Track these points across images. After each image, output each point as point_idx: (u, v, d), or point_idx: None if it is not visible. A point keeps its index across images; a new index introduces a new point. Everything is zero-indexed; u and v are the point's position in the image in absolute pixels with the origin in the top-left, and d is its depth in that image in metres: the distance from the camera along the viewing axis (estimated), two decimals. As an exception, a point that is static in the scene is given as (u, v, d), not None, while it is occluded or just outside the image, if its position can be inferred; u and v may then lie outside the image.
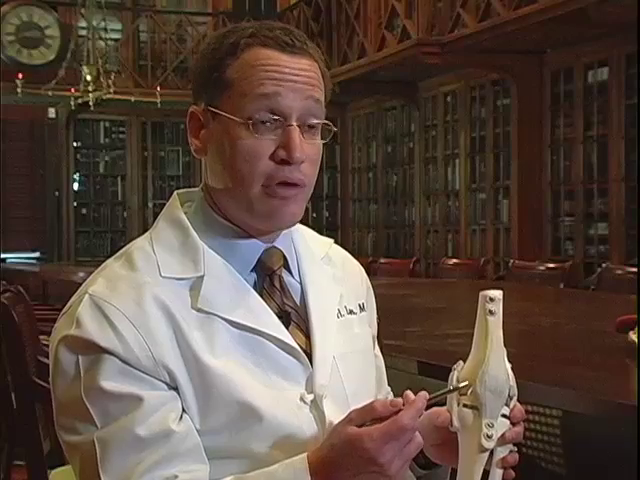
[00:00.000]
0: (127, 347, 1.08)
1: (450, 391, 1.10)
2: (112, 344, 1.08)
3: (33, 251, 10.53)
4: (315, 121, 1.16)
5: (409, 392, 1.08)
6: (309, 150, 1.15)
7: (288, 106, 1.14)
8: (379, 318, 1.41)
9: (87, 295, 1.12)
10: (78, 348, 1.09)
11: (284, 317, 1.19)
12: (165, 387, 1.10)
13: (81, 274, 6.20)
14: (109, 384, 1.07)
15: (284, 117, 1.14)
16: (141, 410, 1.07)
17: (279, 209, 1.16)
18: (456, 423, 1.11)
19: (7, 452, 2.61)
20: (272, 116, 1.13)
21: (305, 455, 1.07)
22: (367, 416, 1.05)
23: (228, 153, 1.15)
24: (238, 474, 1.10)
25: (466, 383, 1.10)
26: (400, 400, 1.06)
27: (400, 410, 1.04)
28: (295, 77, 1.14)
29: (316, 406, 1.15)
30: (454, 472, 1.18)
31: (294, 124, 1.14)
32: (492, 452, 1.10)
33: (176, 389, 1.10)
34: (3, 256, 9.48)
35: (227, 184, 1.16)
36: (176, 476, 1.07)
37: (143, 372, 1.08)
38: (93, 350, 1.08)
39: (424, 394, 1.07)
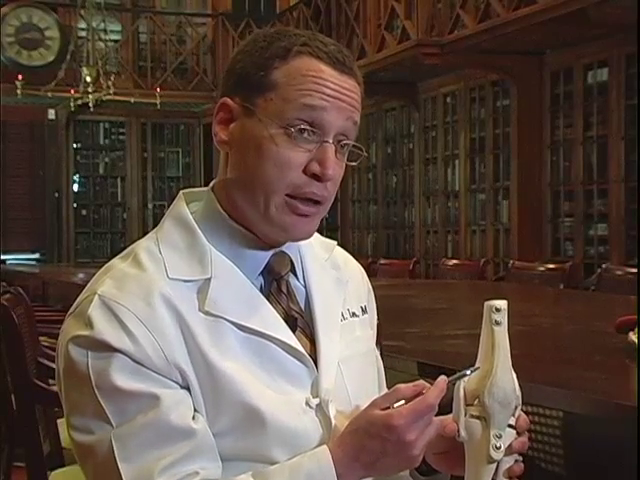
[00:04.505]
0: (140, 348, 1.07)
1: (465, 375, 1.12)
2: (125, 345, 1.07)
3: (33, 252, 10.55)
4: (348, 142, 1.17)
5: (422, 381, 1.11)
6: (338, 169, 1.16)
7: (329, 122, 1.13)
8: (379, 319, 1.41)
9: (96, 296, 1.10)
10: (90, 348, 1.08)
11: (290, 322, 1.18)
12: (178, 387, 1.09)
13: (81, 275, 6.22)
14: (124, 382, 1.07)
15: (323, 132, 1.14)
16: (160, 408, 1.07)
17: (296, 225, 1.16)
18: (463, 434, 1.11)
19: (7, 453, 2.60)
20: (312, 128, 1.13)
21: (325, 447, 1.10)
22: (392, 398, 1.09)
23: (259, 155, 1.13)
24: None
25: (478, 366, 1.11)
26: (422, 381, 1.10)
27: (422, 392, 1.08)
28: (342, 96, 1.14)
29: (321, 410, 1.15)
30: (453, 478, 1.19)
31: (330, 141, 1.14)
32: (498, 462, 1.11)
33: (187, 389, 1.10)
34: (3, 257, 9.47)
35: (249, 184, 1.15)
36: (197, 472, 1.07)
37: (156, 372, 1.08)
38: (105, 349, 1.07)
39: (444, 377, 1.10)
